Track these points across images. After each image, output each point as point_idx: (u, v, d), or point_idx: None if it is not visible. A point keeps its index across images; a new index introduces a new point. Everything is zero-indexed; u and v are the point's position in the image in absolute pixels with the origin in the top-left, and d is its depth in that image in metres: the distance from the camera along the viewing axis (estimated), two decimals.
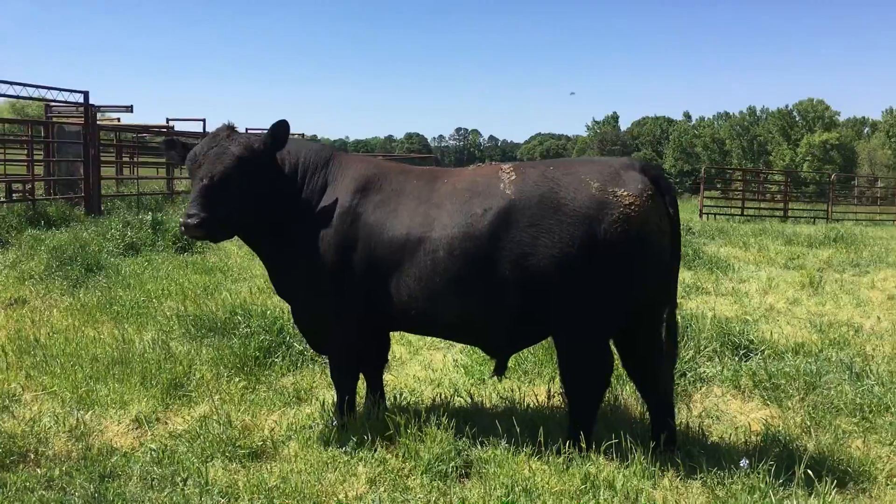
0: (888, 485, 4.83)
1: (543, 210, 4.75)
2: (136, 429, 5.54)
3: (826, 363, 7.04)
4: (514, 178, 4.96)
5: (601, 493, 4.46)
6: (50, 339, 7.32)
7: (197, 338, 7.45)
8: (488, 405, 6.09)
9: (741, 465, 4.55)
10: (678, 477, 4.74)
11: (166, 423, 5.67)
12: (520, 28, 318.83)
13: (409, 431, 5.02)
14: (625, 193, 4.70)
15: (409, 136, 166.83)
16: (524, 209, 4.79)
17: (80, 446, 5.12)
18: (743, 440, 5.42)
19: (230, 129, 5.15)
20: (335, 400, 5.56)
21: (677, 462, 4.83)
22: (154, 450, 5.05)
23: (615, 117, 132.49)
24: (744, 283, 12.36)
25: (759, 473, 4.55)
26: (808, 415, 5.86)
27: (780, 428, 5.52)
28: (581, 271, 4.69)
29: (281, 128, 5.06)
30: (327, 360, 6.88)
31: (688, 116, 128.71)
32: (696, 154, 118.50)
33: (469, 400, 6.10)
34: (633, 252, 4.71)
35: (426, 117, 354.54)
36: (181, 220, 4.76)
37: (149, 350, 6.92)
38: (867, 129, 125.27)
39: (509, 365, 6.69)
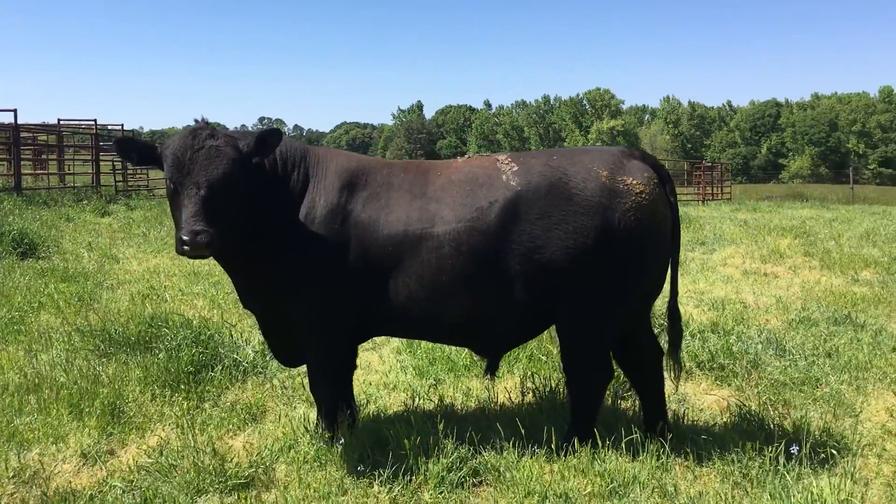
0: (868, 454, 5.09)
1: (553, 201, 4.59)
2: (89, 465, 4.84)
3: (749, 341, 7.42)
4: (515, 168, 4.76)
5: (633, 490, 4.40)
6: None
7: (108, 355, 6.64)
8: (458, 406, 5.87)
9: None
10: (689, 465, 4.77)
11: (119, 456, 4.99)
12: (324, 15, 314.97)
13: (410, 443, 4.71)
14: (634, 182, 4.63)
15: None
16: (533, 200, 4.61)
17: (36, 492, 4.39)
18: (723, 422, 5.56)
19: (208, 125, 4.57)
20: (320, 415, 5.10)
21: (686, 450, 4.86)
22: (122, 488, 4.45)
23: (420, 106, 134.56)
24: None
25: (765, 455, 4.67)
26: (761, 392, 6.13)
27: (754, 408, 5.70)
28: (596, 263, 4.57)
29: (272, 137, 4.56)
30: (277, 370, 6.43)
31: (488, 105, 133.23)
32: (497, 141, 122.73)
33: (438, 402, 5.85)
34: (645, 241, 4.67)
35: (226, 106, 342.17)
36: (184, 237, 4.07)
37: (63, 373, 6.07)
38: (647, 116, 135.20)
39: (465, 362, 6.55)
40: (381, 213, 4.73)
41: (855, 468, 4.80)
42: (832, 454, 4.86)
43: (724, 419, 5.63)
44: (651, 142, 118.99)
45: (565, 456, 4.72)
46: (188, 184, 4.27)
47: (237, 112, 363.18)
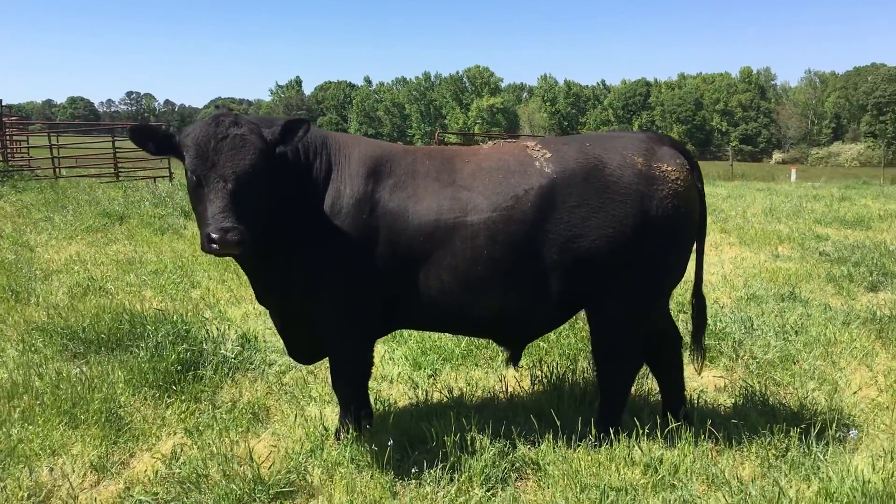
0: (875, 431, 5.28)
1: (591, 188, 4.51)
2: (106, 479, 4.47)
3: (725, 320, 7.64)
4: (548, 155, 4.65)
5: (688, 480, 4.38)
6: None
7: (80, 355, 6.16)
8: (467, 397, 5.74)
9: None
10: (720, 449, 4.83)
11: (132, 467, 4.63)
12: None
13: (451, 440, 4.58)
14: (670, 168, 4.60)
15: (73, 100, 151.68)
16: (570, 188, 4.52)
17: None
18: (729, 403, 5.68)
19: (231, 111, 4.25)
20: (346, 414, 4.85)
21: (716, 435, 4.91)
22: (149, 502, 4.14)
23: (299, 82, 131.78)
24: None
25: (791, 437, 4.78)
26: (752, 373, 6.30)
27: (758, 388, 5.82)
28: (634, 251, 4.53)
29: (299, 126, 4.29)
30: (264, 365, 6.12)
31: (368, 81, 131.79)
32: (378, 118, 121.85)
33: (448, 394, 5.72)
34: (680, 228, 4.67)
35: (92, 79, 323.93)
36: (213, 235, 3.76)
37: (37, 378, 5.57)
38: (525, 94, 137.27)
39: (462, 351, 6.44)
40: (409, 201, 4.54)
41: (884, 447, 4.95)
42: (842, 432, 5.05)
43: (728, 400, 5.76)
44: (529, 119, 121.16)
45: (600, 446, 4.68)
46: (213, 177, 3.96)
47: (105, 86, 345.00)
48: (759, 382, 5.97)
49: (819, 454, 4.61)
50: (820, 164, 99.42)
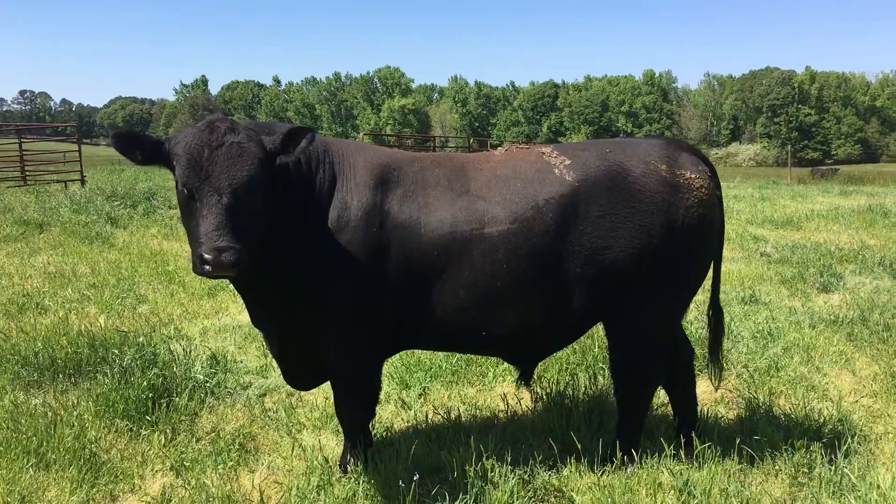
0: (885, 442, 5.20)
1: (616, 197, 4.24)
2: None
3: (702, 328, 7.55)
4: (567, 161, 4.38)
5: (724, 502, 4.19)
6: None
7: (35, 384, 5.55)
8: (467, 417, 5.43)
9: None
10: (742, 468, 4.65)
11: None
12: None
13: (471, 470, 4.26)
14: (693, 176, 4.39)
15: None
16: (593, 197, 4.24)
17: None
18: (733, 416, 5.53)
19: (227, 117, 3.83)
20: (353, 444, 4.48)
21: (744, 450, 4.72)
22: None
23: (205, 81, 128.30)
24: None
25: (811, 452, 4.65)
26: (746, 382, 6.19)
27: (760, 401, 5.71)
28: (661, 262, 4.29)
29: (303, 135, 3.88)
30: (237, 388, 5.66)
31: (277, 81, 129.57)
32: (288, 119, 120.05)
33: (446, 416, 5.40)
34: (705, 237, 4.46)
35: None
36: (206, 255, 3.34)
37: None
38: (436, 95, 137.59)
39: (452, 367, 6.14)
40: (420, 212, 4.20)
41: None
42: (857, 444, 4.96)
43: (731, 413, 5.62)
44: (441, 120, 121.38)
45: (625, 469, 4.46)
46: (207, 190, 3.53)
47: None
48: (759, 393, 5.86)
49: (846, 470, 4.49)
50: (719, 164, 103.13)
